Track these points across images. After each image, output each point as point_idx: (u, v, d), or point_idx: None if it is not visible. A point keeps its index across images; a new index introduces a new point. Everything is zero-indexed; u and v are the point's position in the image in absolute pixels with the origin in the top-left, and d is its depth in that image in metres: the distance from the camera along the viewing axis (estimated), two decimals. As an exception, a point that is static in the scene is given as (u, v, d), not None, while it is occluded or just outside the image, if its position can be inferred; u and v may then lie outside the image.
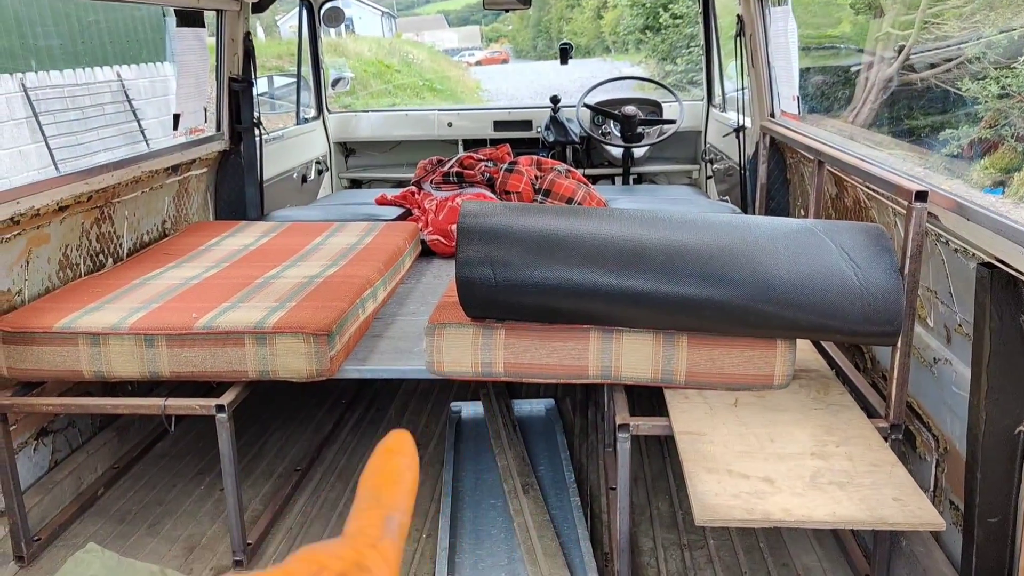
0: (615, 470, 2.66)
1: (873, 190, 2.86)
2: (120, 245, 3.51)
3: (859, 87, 12.50)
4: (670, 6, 21.57)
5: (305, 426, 3.65)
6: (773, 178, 4.14)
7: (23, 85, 10.37)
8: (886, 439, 2.30)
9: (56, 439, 3.07)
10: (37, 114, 10.43)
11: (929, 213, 2.28)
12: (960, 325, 2.33)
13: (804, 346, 2.78)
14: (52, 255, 3.07)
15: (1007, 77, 9.90)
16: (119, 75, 12.17)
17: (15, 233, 2.83)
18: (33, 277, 2.97)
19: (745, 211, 4.42)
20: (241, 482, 3.08)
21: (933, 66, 11.46)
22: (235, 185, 4.40)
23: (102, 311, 2.74)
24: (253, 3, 4.41)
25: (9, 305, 2.84)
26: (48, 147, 10.47)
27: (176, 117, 3.99)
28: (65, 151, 10.61)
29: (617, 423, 2.37)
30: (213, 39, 4.31)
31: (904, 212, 2.44)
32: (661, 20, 22.03)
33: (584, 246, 2.30)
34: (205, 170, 4.24)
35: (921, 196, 2.21)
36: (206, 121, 4.27)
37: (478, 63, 32.82)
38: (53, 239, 3.06)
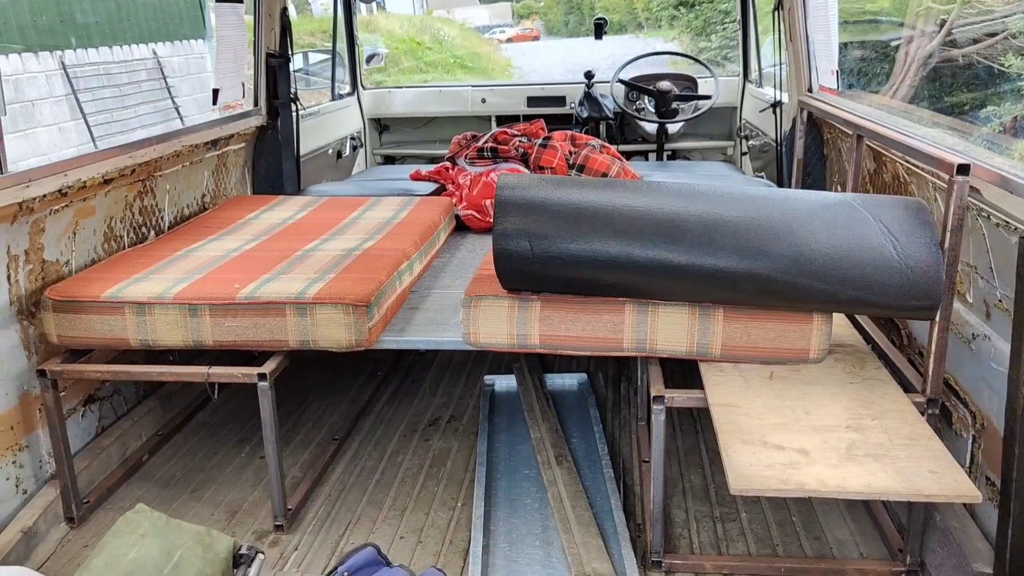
0: (648, 443, 2.69)
1: (913, 164, 2.84)
2: (162, 218, 3.58)
3: (898, 62, 12.24)
4: (704, -19, 21.23)
5: (342, 397, 3.72)
6: (810, 154, 4.11)
7: (63, 63, 10.53)
8: (922, 413, 2.30)
9: (103, 406, 3.16)
10: (76, 91, 10.59)
11: (971, 187, 2.26)
12: (1000, 301, 2.31)
13: (839, 320, 2.78)
14: (98, 227, 3.14)
15: (1053, 53, 9.65)
16: (155, 53, 12.30)
17: (63, 205, 2.91)
18: (80, 248, 3.05)
19: (781, 187, 4.39)
20: (281, 450, 3.16)
21: (975, 41, 11.19)
22: (272, 160, 4.45)
23: (147, 281, 2.80)
24: (290, -21, 4.44)
25: (58, 275, 2.92)
26: (87, 124, 10.64)
27: (215, 92, 4.05)
28: (102, 128, 10.78)
29: (652, 395, 2.40)
30: (251, 16, 4.35)
31: (945, 186, 2.42)
32: (695, -5, 21.69)
33: (621, 218, 2.32)
34: (243, 145, 4.30)
35: (963, 169, 2.19)
36: (244, 96, 4.32)
37: (509, 40, 32.59)
38: (99, 211, 3.13)
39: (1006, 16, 10.70)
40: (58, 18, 10.67)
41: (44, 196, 2.77)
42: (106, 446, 3.08)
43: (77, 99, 10.60)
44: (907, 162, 2.91)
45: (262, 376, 2.62)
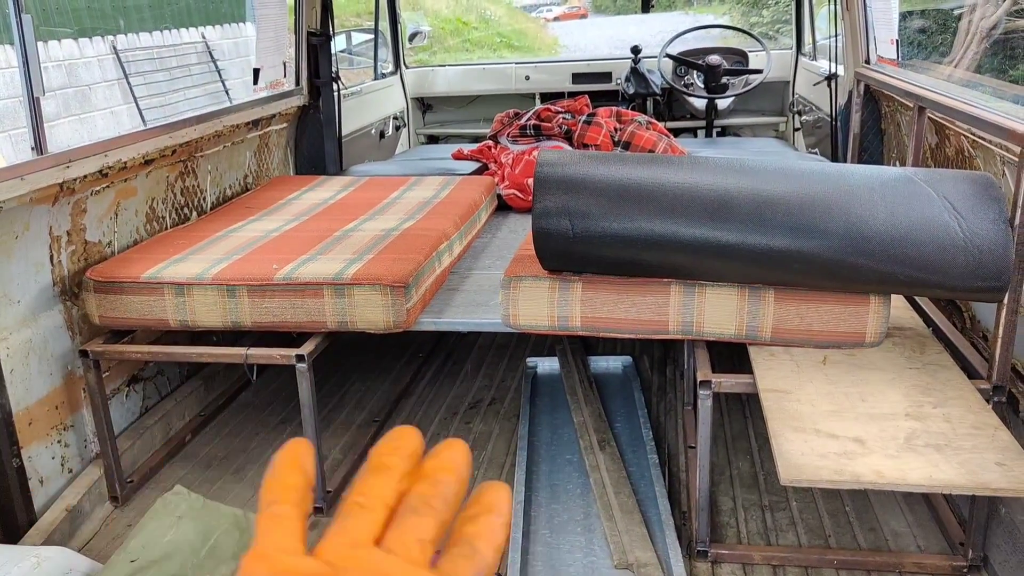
0: (694, 428, 2.60)
1: (980, 137, 2.67)
2: (204, 199, 3.58)
3: (960, 33, 11.77)
4: (756, -46, 20.69)
5: (383, 378, 3.69)
6: (867, 128, 3.93)
7: (114, 47, 10.68)
8: (988, 401, 2.17)
9: (146, 386, 3.17)
10: (128, 75, 10.74)
11: (1045, 159, 2.11)
12: (1074, 281, 2.16)
13: (897, 303, 2.64)
14: (139, 208, 3.15)
15: None
16: (203, 36, 12.42)
17: (104, 186, 2.91)
18: (122, 229, 3.05)
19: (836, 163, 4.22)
20: (321, 432, 3.14)
21: (1043, 10, 10.68)
22: (314, 140, 4.43)
23: (186, 262, 2.79)
24: (331, -44, 4.39)
25: (100, 256, 2.93)
26: (138, 108, 10.79)
27: (256, 72, 4.03)
28: (154, 111, 10.93)
29: (699, 379, 2.30)
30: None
31: (1014, 159, 2.27)
32: (747, -31, 21.16)
33: (666, 196, 2.22)
34: (285, 125, 4.28)
35: (1036, 140, 2.05)
36: (285, 76, 4.30)
37: (556, 19, 32.25)
38: (140, 192, 3.13)
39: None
40: (110, 3, 10.82)
41: (85, 177, 2.77)
42: (149, 426, 3.09)
43: (129, 83, 10.75)
44: (973, 135, 2.74)
45: (300, 358, 2.59)
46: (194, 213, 3.50)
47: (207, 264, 2.75)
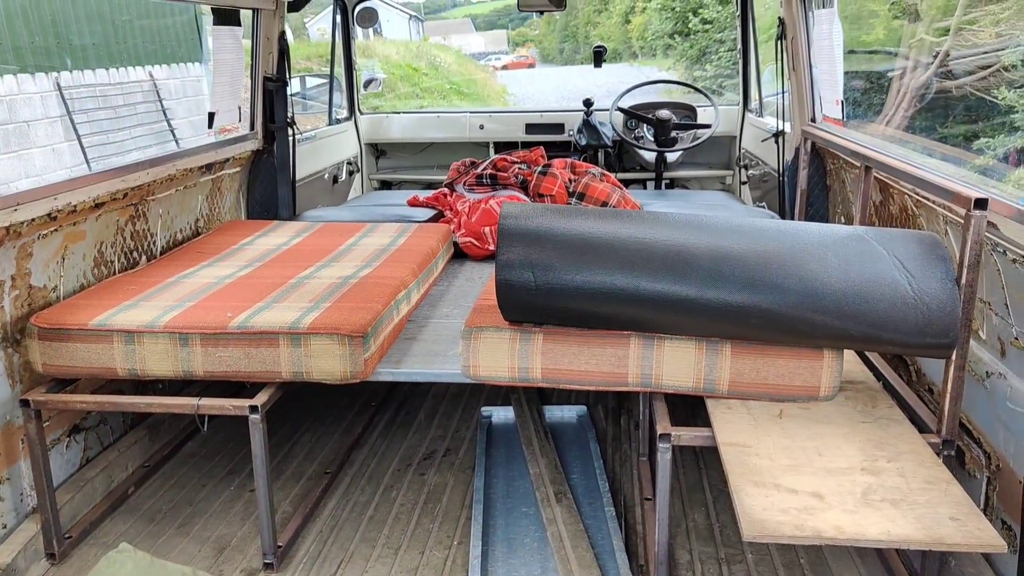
0: (650, 479, 2.60)
1: (924, 197, 2.78)
2: (154, 243, 3.50)
3: (892, 93, 12.31)
4: (700, 11, 21.45)
5: (335, 428, 3.62)
6: (813, 184, 4.06)
7: (58, 84, 10.49)
8: (938, 455, 2.22)
9: (88, 436, 3.06)
10: (71, 113, 10.54)
11: (988, 221, 2.20)
12: (1016, 338, 2.25)
13: (848, 356, 2.71)
14: (87, 252, 3.06)
15: (1047, 86, 9.69)
16: (151, 75, 12.28)
17: (52, 229, 2.83)
18: (69, 274, 2.96)
19: (782, 218, 4.34)
20: (271, 484, 3.06)
21: (969, 73, 11.25)
22: (268, 184, 4.39)
23: (137, 308, 2.72)
24: (289, 2, 4.40)
25: (45, 301, 2.83)
26: (81, 145, 10.57)
27: (211, 115, 3.99)
28: (97, 149, 10.72)
29: (658, 432, 2.31)
30: (248, 40, 4.30)
31: (957, 220, 2.37)
32: (691, 25, 21.91)
33: (627, 250, 2.25)
34: (238, 169, 4.23)
35: (981, 204, 2.14)
36: (240, 120, 4.27)
37: (504, 67, 32.82)
38: (89, 236, 3.05)
39: (998, 50, 10.77)
40: (55, 40, 10.64)
41: (32, 220, 2.69)
42: (91, 478, 2.97)
43: (72, 120, 10.54)
44: (917, 194, 2.85)
45: (253, 408, 2.53)
46: (143, 257, 3.42)
47: (159, 311, 2.68)
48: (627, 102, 5.72)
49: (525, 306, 2.36)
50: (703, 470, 3.22)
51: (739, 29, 5.79)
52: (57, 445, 2.88)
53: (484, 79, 25.59)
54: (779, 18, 4.19)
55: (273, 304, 2.77)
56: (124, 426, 3.25)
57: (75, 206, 2.89)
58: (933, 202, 2.71)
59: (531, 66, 35.46)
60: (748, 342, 2.35)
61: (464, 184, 4.40)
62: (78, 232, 2.99)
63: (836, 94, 3.79)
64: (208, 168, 3.89)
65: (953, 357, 2.21)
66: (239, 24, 4.07)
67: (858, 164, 3.19)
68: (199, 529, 2.90)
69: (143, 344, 2.59)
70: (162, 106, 12.24)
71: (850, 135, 3.58)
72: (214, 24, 3.96)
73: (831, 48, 3.72)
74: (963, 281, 2.18)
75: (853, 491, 1.98)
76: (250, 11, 4.17)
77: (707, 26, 21.29)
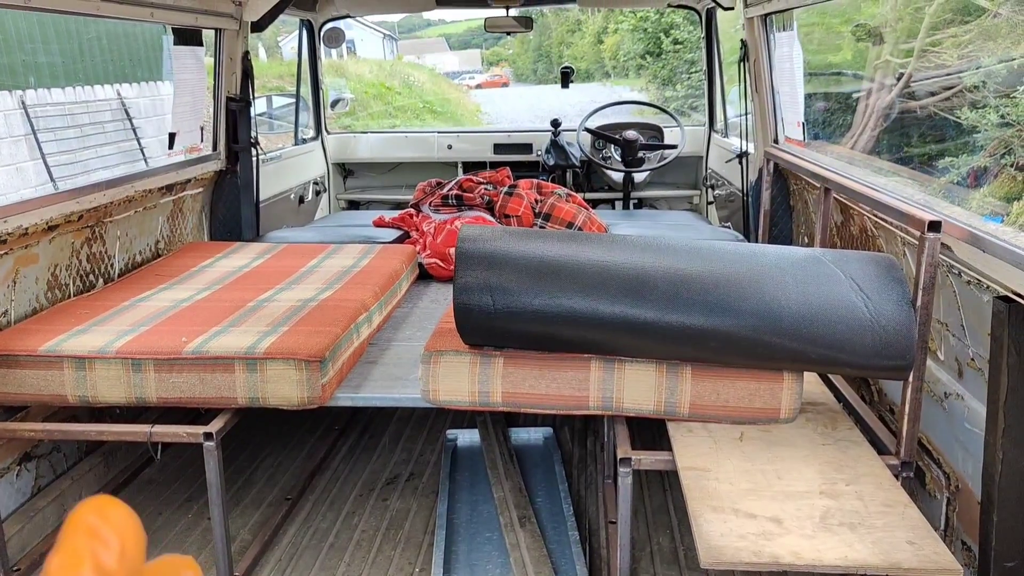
0: (615, 503, 2.58)
1: (881, 219, 2.80)
2: (111, 265, 3.44)
3: (858, 114, 12.50)
4: (671, 32, 21.70)
5: (297, 453, 3.56)
6: (776, 204, 4.09)
7: (23, 102, 10.35)
8: (897, 477, 2.22)
9: (40, 464, 2.98)
10: (36, 131, 10.39)
11: (942, 244, 2.22)
12: (973, 359, 2.26)
13: (810, 378, 2.71)
14: (40, 275, 3.00)
15: (1007, 106, 9.90)
16: (119, 93, 12.15)
17: (2, 253, 2.76)
18: (20, 298, 2.89)
19: (747, 237, 4.37)
20: (229, 511, 2.99)
21: (932, 94, 11.47)
22: (231, 205, 4.33)
23: (89, 334, 2.66)
24: (252, 23, 4.37)
25: (-6, 326, 2.76)
26: (46, 164, 10.42)
27: (172, 136, 3.94)
28: (64, 168, 10.57)
29: (619, 457, 2.29)
30: (211, 59, 4.27)
31: (914, 242, 2.38)
32: (663, 46, 22.15)
33: (586, 273, 2.24)
34: (200, 190, 4.18)
35: (934, 226, 2.15)
36: (203, 141, 4.22)
37: (478, 86, 32.95)
38: (42, 259, 2.99)
39: (961, 72, 10.99)
40: (20, 57, 10.51)
41: None
42: (41, 508, 2.89)
43: (37, 138, 10.39)
44: (876, 216, 2.87)
45: (208, 436, 2.48)
46: (100, 280, 3.35)
47: (111, 336, 2.63)
48: (595, 122, 5.74)
49: (484, 330, 2.34)
50: (668, 491, 3.20)
51: (704, 51, 5.85)
52: (7, 474, 2.80)
53: (458, 98, 25.66)
54: (742, 41, 4.24)
55: (230, 328, 2.72)
56: (78, 454, 3.17)
57: (27, 229, 2.83)
58: (890, 224, 2.73)
59: (505, 85, 35.65)
60: (708, 365, 2.34)
61: (430, 205, 4.38)
62: (30, 255, 2.92)
63: (797, 116, 3.83)
64: (169, 189, 3.83)
65: (911, 379, 2.22)
66: (201, 44, 4.04)
67: (818, 185, 3.21)
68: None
69: (95, 370, 2.53)
70: (132, 124, 12.12)
71: (811, 156, 3.62)
72: (175, 44, 3.92)
73: (792, 70, 3.76)
74: (919, 303, 2.19)
75: (812, 515, 1.96)
76: (212, 31, 4.14)
77: (678, 46, 21.53)
